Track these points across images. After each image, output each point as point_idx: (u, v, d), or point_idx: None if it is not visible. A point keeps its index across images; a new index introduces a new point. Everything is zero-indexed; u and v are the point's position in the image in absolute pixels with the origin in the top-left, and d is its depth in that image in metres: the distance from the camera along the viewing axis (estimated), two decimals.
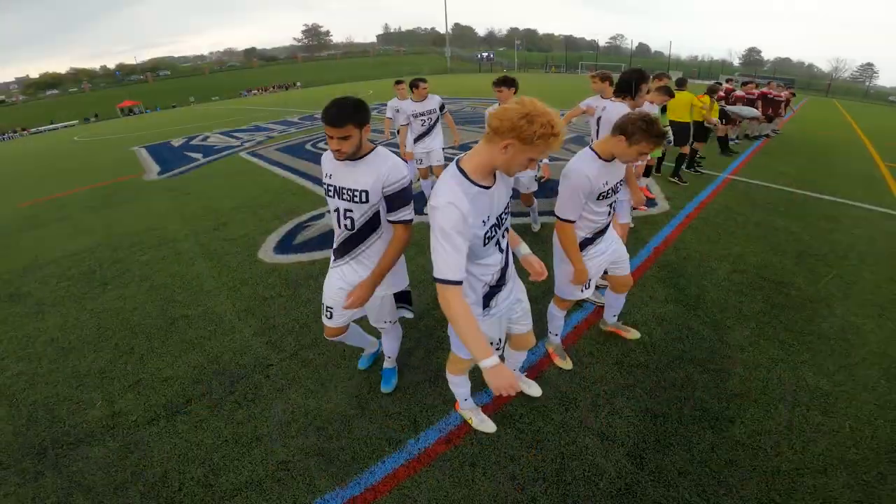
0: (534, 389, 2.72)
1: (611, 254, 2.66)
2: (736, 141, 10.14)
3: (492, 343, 2.02)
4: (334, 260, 2.31)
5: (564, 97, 18.53)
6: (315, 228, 5.77)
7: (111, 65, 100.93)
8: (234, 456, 2.51)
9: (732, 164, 8.26)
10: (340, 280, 2.27)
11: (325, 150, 2.13)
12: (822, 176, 7.60)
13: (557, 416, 2.59)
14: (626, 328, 3.24)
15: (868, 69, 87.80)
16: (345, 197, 2.04)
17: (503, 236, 1.80)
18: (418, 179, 6.03)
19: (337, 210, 2.11)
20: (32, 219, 7.59)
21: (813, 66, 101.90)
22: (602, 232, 2.53)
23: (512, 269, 1.95)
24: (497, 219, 1.68)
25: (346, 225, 2.12)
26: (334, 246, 2.28)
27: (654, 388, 2.77)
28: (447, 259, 1.50)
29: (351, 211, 2.06)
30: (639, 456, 2.33)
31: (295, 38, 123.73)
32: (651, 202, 6.00)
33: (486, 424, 2.48)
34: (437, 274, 1.54)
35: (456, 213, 1.48)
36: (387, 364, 2.89)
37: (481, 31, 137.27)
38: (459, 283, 1.53)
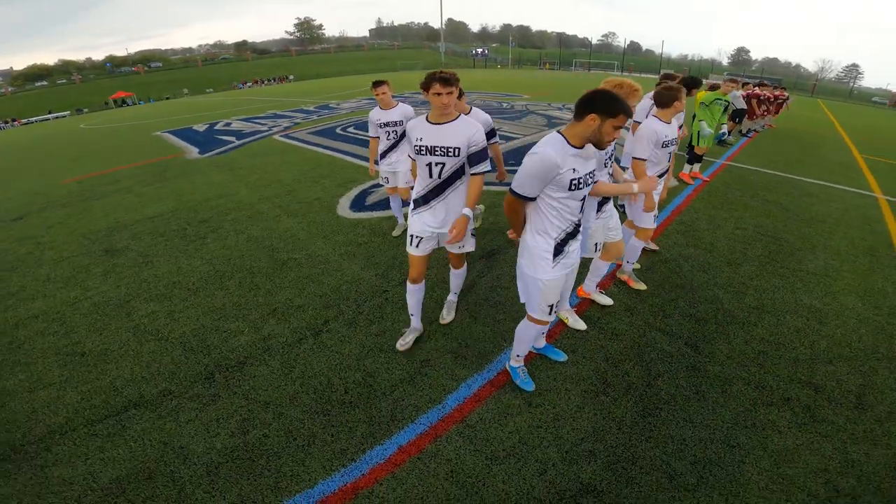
0: (605, 300, 3.56)
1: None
2: (729, 135, 11.11)
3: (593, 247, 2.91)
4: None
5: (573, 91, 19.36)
6: (379, 193, 6.35)
7: (97, 57, 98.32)
8: (383, 360, 2.96)
9: (727, 153, 9.25)
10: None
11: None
12: (806, 164, 8.64)
13: (626, 318, 3.43)
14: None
15: (853, 70, 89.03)
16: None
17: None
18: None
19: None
20: (88, 192, 7.70)
21: (800, 67, 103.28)
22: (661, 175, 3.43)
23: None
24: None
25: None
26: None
27: (692, 301, 3.66)
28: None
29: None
30: (694, 345, 3.13)
31: (287, 32, 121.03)
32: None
33: (578, 323, 3.29)
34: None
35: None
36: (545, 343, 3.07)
37: (475, 27, 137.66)
38: None
